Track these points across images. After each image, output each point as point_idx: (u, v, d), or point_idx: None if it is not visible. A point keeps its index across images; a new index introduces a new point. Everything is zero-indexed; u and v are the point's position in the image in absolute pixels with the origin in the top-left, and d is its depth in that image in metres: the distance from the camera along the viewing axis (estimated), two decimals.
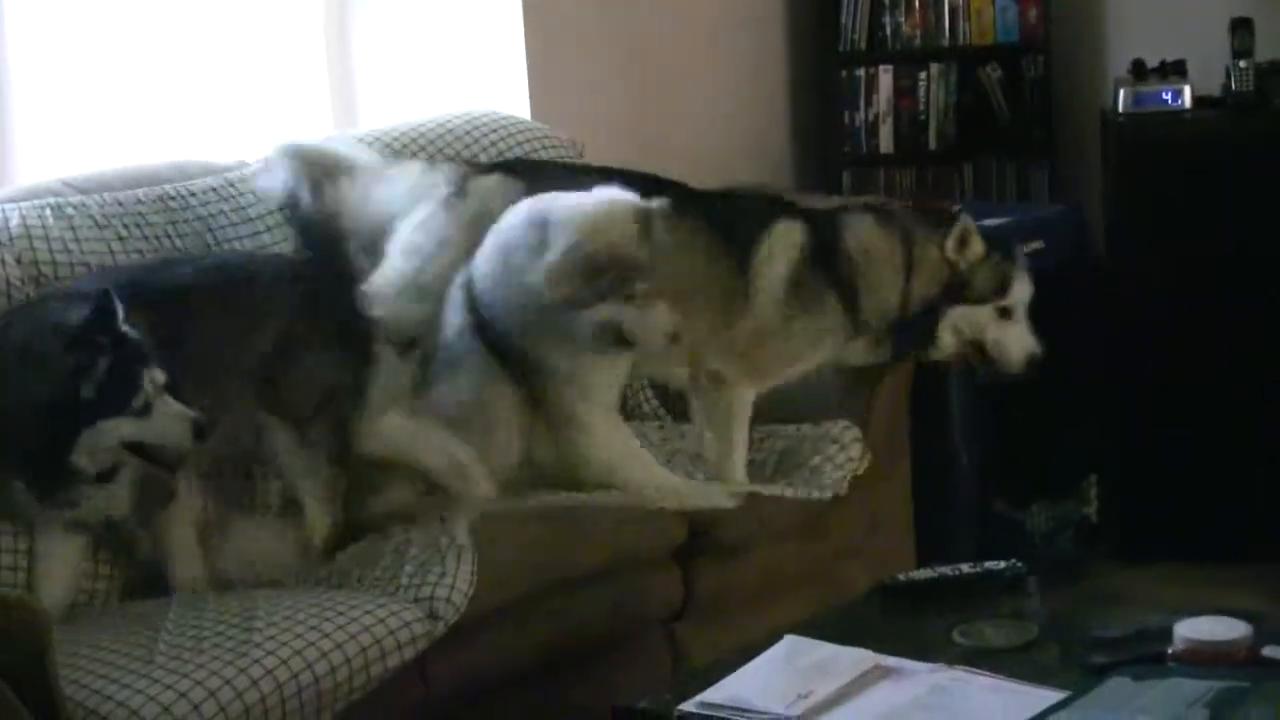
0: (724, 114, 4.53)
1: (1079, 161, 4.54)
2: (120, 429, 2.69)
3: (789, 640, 2.60)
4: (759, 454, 3.38)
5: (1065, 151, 4.58)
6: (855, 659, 2.52)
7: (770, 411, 3.44)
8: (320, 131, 3.78)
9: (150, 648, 2.57)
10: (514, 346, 3.12)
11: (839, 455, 3.35)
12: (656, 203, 3.11)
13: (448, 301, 3.18)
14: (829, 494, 3.31)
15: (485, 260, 3.15)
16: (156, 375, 2.71)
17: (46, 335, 2.71)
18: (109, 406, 2.67)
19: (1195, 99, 4.22)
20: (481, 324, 3.13)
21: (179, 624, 2.66)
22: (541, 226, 3.10)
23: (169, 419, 2.71)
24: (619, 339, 3.03)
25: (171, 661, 2.53)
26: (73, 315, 2.71)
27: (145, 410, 2.69)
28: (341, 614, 2.69)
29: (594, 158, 3.86)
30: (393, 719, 2.73)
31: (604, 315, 3.01)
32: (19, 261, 3.00)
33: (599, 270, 3.01)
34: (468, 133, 3.67)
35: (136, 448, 2.71)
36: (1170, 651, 2.48)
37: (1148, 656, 2.48)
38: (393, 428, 3.05)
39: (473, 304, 3.15)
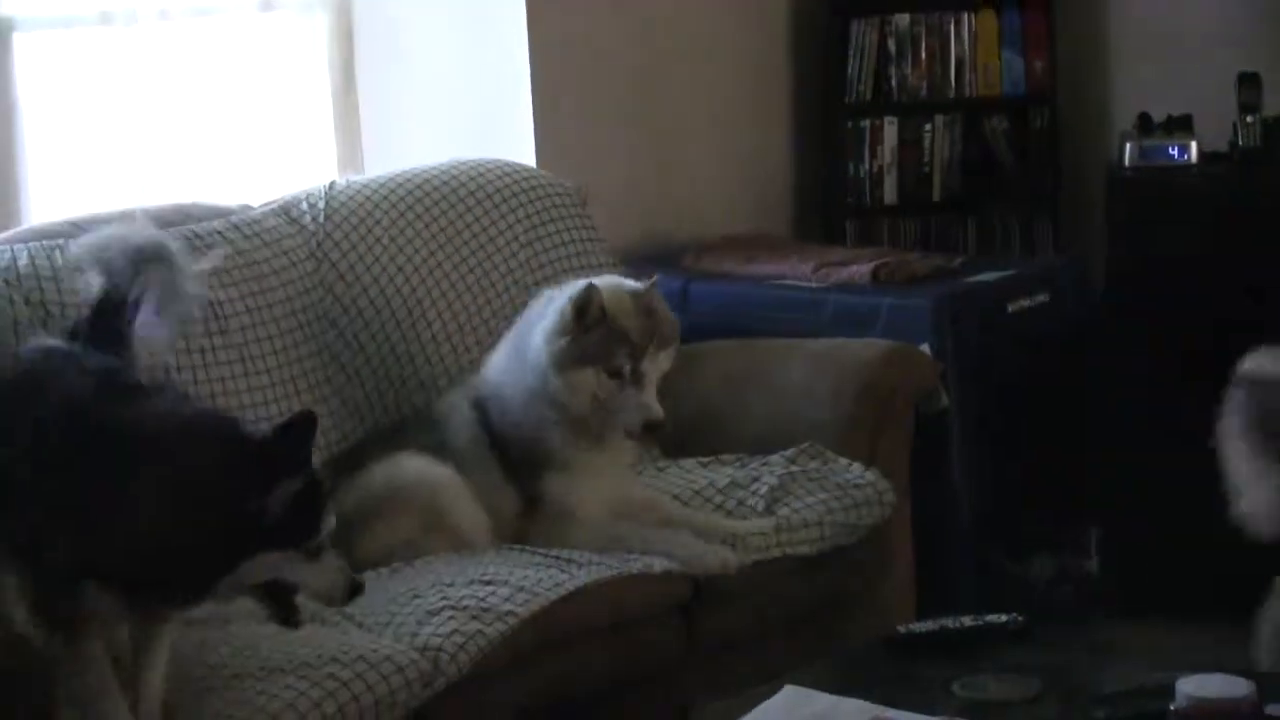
0: (728, 162, 4.54)
1: (1083, 215, 4.55)
2: (283, 568, 2.39)
3: (789, 691, 2.58)
4: (732, 477, 3.38)
5: (1070, 205, 4.59)
6: (855, 711, 2.51)
7: (740, 441, 3.49)
8: (326, 176, 3.79)
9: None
10: (518, 440, 3.19)
11: (859, 496, 3.35)
12: (647, 283, 3.17)
13: (456, 416, 3.24)
14: (855, 539, 3.33)
15: (496, 361, 3.26)
16: (331, 520, 2.44)
17: (234, 441, 2.42)
18: (281, 540, 2.38)
19: (1202, 154, 4.21)
20: (490, 429, 3.21)
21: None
22: (547, 301, 3.18)
23: (334, 571, 2.44)
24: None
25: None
26: (259, 427, 2.48)
27: (316, 554, 2.41)
28: (345, 652, 2.67)
29: (598, 205, 3.89)
30: None
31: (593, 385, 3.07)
32: (28, 301, 3.02)
33: (592, 323, 3.06)
34: (472, 178, 3.71)
35: (272, 586, 2.42)
36: (1172, 709, 2.48)
37: (1150, 714, 2.47)
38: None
39: (482, 411, 3.23)
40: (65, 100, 3.55)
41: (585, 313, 3.11)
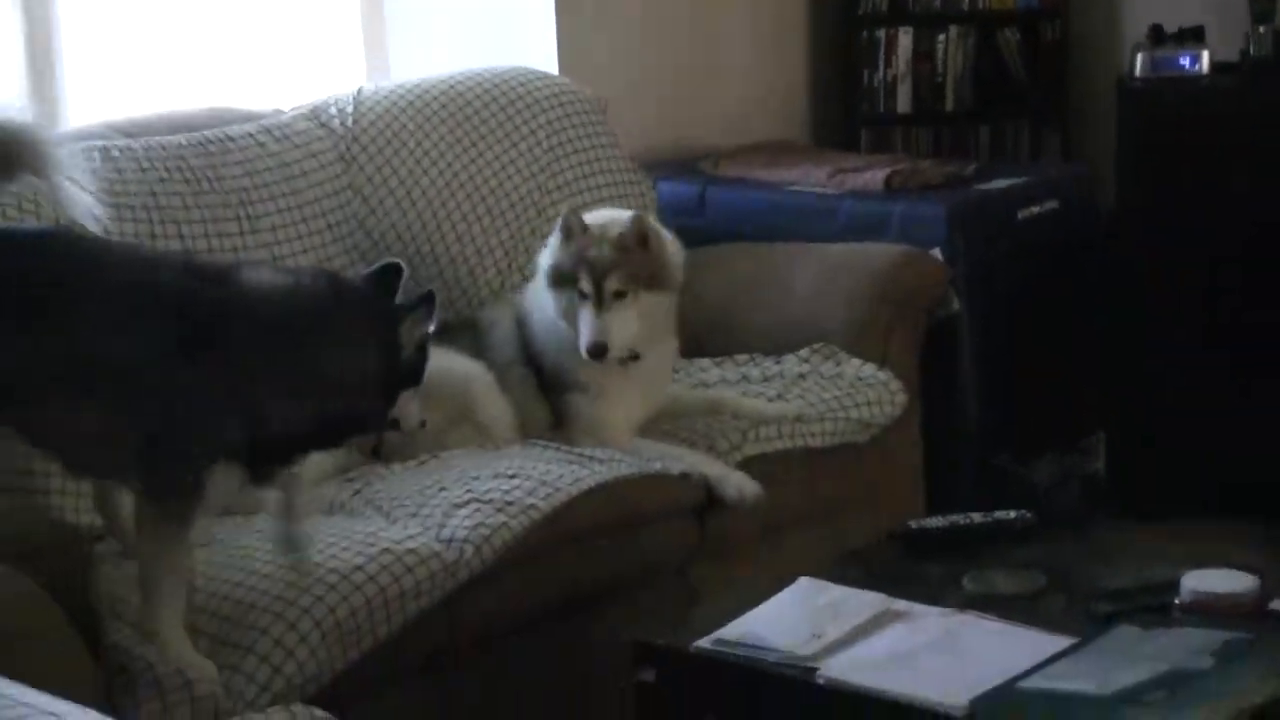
0: (746, 71, 4.51)
1: (1093, 126, 4.52)
2: (411, 405, 2.60)
3: (803, 582, 2.62)
4: (745, 374, 3.40)
5: (1080, 116, 4.56)
6: (867, 602, 2.53)
7: (753, 342, 3.49)
8: (354, 82, 3.78)
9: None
10: (547, 365, 3.21)
11: (871, 395, 3.37)
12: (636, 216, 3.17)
13: (497, 331, 3.26)
14: (867, 437, 3.35)
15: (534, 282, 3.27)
16: None
17: (368, 294, 2.57)
18: (413, 378, 2.58)
19: (1213, 65, 4.16)
20: (525, 347, 3.24)
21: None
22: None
23: (414, 402, 2.62)
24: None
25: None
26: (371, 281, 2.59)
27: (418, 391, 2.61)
28: (371, 546, 2.69)
29: (618, 113, 3.88)
30: (419, 658, 2.73)
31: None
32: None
33: (572, 245, 3.10)
34: (495, 85, 3.70)
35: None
36: (1177, 603, 2.49)
37: (1154, 607, 2.49)
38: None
39: (521, 327, 3.25)
40: (101, 5, 3.53)
41: (568, 235, 3.14)
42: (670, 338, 3.30)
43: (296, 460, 2.57)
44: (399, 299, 2.60)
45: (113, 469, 2.50)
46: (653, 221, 3.27)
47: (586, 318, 3.10)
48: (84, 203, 2.68)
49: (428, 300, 2.61)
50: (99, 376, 2.40)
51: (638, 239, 3.14)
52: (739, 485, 3.12)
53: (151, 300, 2.45)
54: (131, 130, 3.19)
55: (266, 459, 2.52)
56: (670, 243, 3.25)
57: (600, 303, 3.10)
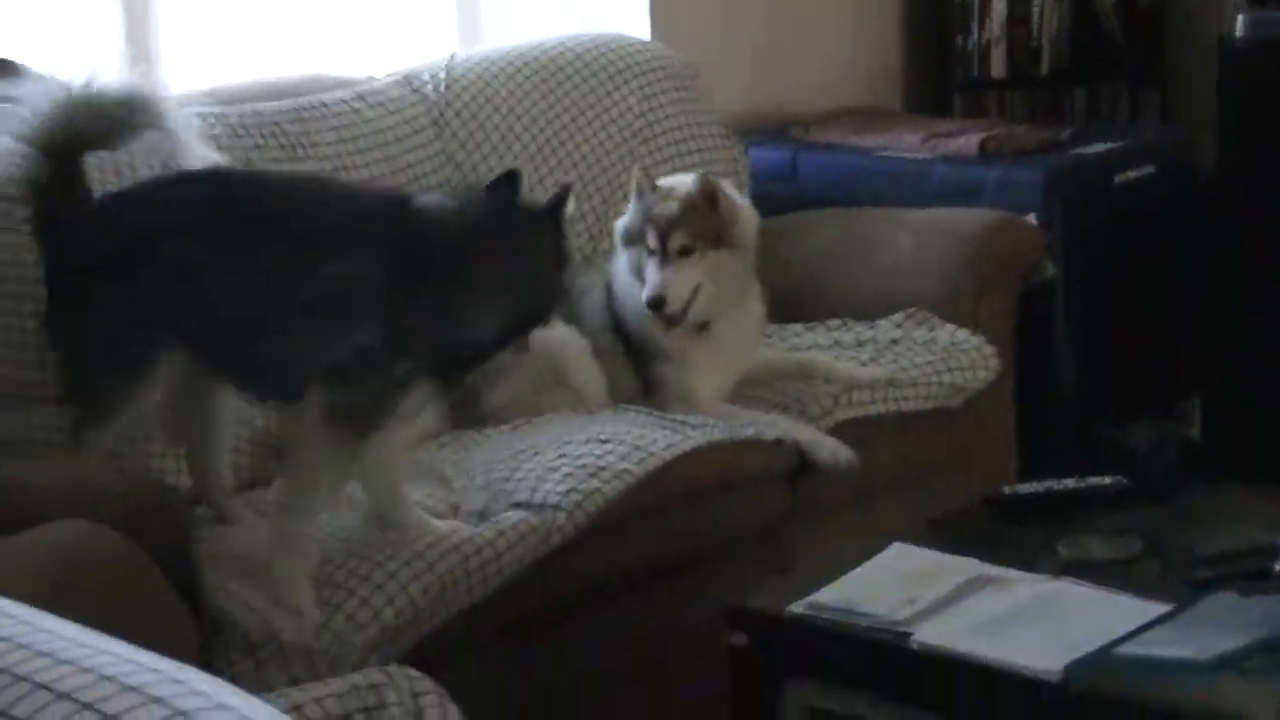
0: (837, 36, 4.47)
1: (1192, 88, 4.45)
2: (555, 324, 2.81)
3: (896, 548, 2.60)
4: (837, 339, 3.41)
5: (1177, 77, 4.49)
6: (961, 567, 2.51)
7: (845, 307, 3.49)
8: (446, 49, 3.78)
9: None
10: (632, 332, 3.23)
11: (964, 360, 3.35)
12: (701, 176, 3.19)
13: (588, 298, 3.28)
14: (960, 402, 3.32)
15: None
16: None
17: (528, 204, 2.74)
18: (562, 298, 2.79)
19: None
20: (614, 314, 3.25)
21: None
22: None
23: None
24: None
25: None
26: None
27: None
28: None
29: (709, 80, 3.87)
30: (513, 620, 2.74)
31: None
32: (165, 167, 3.00)
33: (641, 203, 3.13)
34: (588, 51, 3.70)
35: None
36: (1276, 569, 2.45)
37: (1252, 573, 2.45)
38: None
39: (610, 294, 3.27)
40: None
41: (639, 194, 3.16)
42: (752, 303, 3.29)
43: (480, 366, 2.71)
44: None
45: (290, 390, 2.55)
46: (723, 183, 3.26)
47: (650, 272, 3.11)
48: (207, 156, 2.73)
49: (568, 190, 2.73)
50: (323, 298, 2.52)
51: (705, 198, 3.14)
52: (833, 450, 3.11)
53: (362, 224, 2.58)
54: (226, 98, 3.19)
55: (455, 369, 2.65)
56: (742, 205, 3.24)
57: (665, 258, 3.10)
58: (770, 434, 3.08)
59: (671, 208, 3.12)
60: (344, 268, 2.53)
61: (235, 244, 2.53)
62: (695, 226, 3.11)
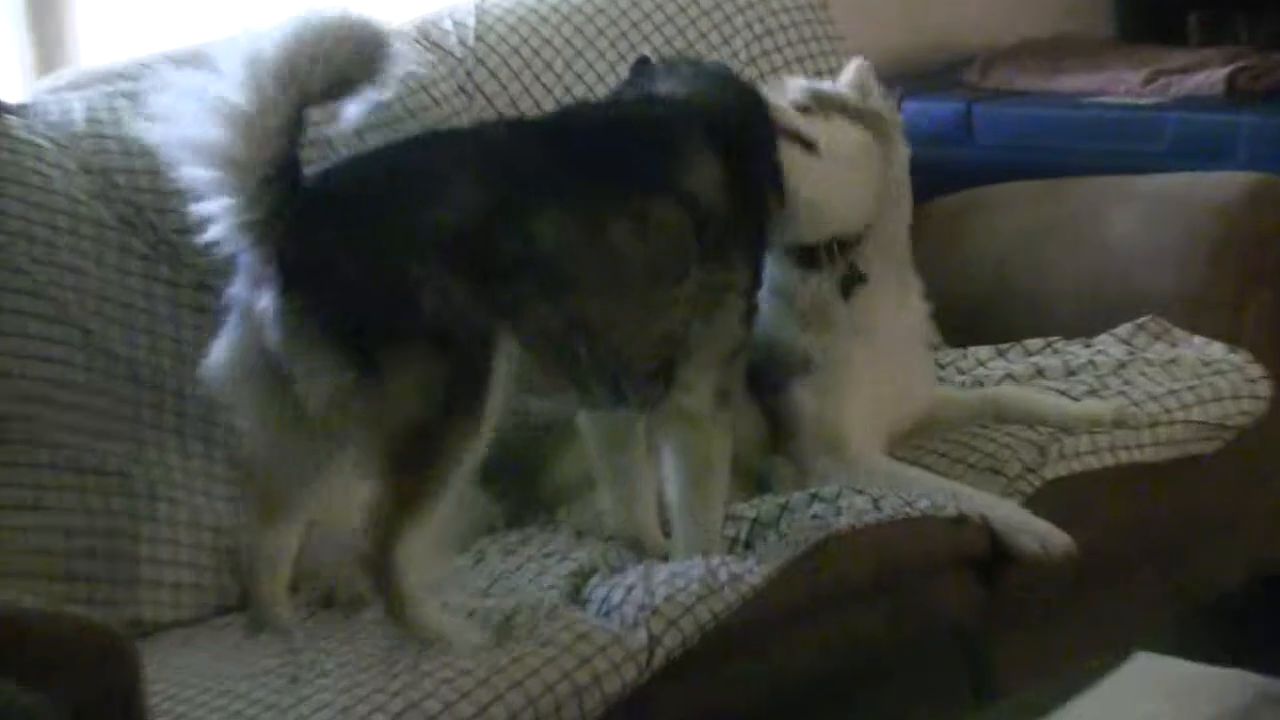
0: None
1: None
2: None
3: (1141, 660, 2.56)
4: (1039, 366, 3.42)
5: None
6: (1233, 684, 2.46)
7: (1049, 320, 3.52)
8: None
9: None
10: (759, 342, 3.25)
11: (1222, 386, 3.32)
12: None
13: None
14: (1217, 445, 3.29)
15: None
16: None
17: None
18: None
19: None
20: None
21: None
22: None
23: None
24: None
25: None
26: None
27: None
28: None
29: (844, 8, 3.90)
30: None
31: None
32: (86, 169, 3.05)
33: None
34: None
35: None
36: None
37: None
38: None
39: None
40: None
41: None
42: (912, 297, 3.31)
43: None
44: None
45: (653, 383, 2.89)
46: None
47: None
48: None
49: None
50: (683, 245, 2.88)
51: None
52: (1041, 536, 3.06)
53: (684, 134, 2.95)
54: (193, 61, 3.19)
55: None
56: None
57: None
58: (950, 508, 3.03)
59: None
60: (704, 195, 2.90)
61: (571, 206, 2.80)
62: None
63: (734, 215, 2.93)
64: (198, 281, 3.05)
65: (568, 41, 3.58)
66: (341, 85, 2.74)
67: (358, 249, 2.68)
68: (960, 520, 3.03)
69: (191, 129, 2.66)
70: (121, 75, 3.20)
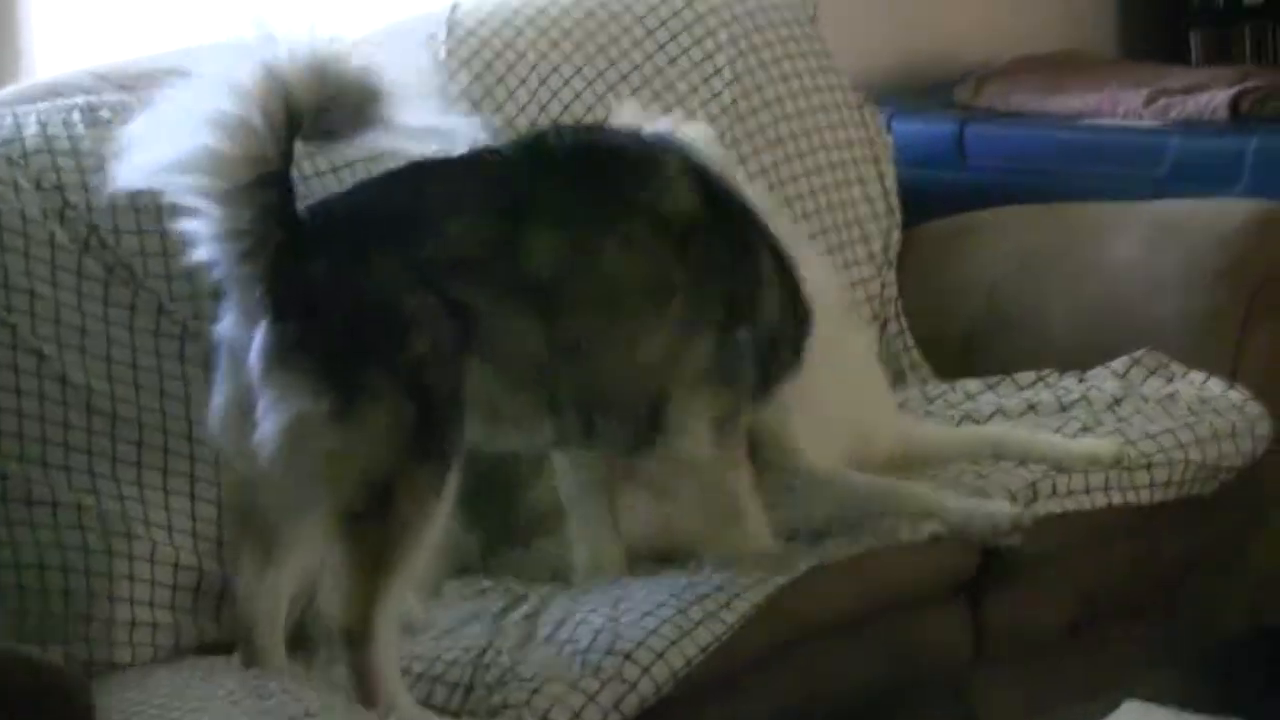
0: None
1: None
2: None
3: (1129, 709, 2.58)
4: (1032, 401, 3.44)
5: None
6: None
7: (1043, 351, 3.54)
8: None
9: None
10: None
11: (1220, 425, 3.33)
12: None
13: None
14: (1215, 486, 3.31)
15: None
16: None
17: None
18: None
19: None
20: None
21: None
22: None
23: None
24: None
25: None
26: None
27: None
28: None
29: (837, 23, 3.92)
30: None
31: None
32: (39, 186, 3.03)
33: None
34: None
35: None
36: None
37: None
38: None
39: None
40: None
41: None
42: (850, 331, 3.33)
43: None
44: None
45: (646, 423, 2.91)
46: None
47: None
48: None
49: None
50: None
51: None
52: (992, 519, 3.09)
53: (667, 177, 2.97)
54: (125, 80, 3.20)
55: None
56: None
57: None
58: (927, 529, 3.05)
59: None
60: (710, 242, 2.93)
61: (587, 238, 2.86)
62: None
63: (715, 240, 2.93)
64: (157, 305, 3.01)
65: (544, 55, 3.58)
66: (330, 117, 2.73)
67: (352, 280, 2.69)
68: (933, 540, 3.06)
69: (180, 140, 2.65)
70: (77, 88, 3.17)
